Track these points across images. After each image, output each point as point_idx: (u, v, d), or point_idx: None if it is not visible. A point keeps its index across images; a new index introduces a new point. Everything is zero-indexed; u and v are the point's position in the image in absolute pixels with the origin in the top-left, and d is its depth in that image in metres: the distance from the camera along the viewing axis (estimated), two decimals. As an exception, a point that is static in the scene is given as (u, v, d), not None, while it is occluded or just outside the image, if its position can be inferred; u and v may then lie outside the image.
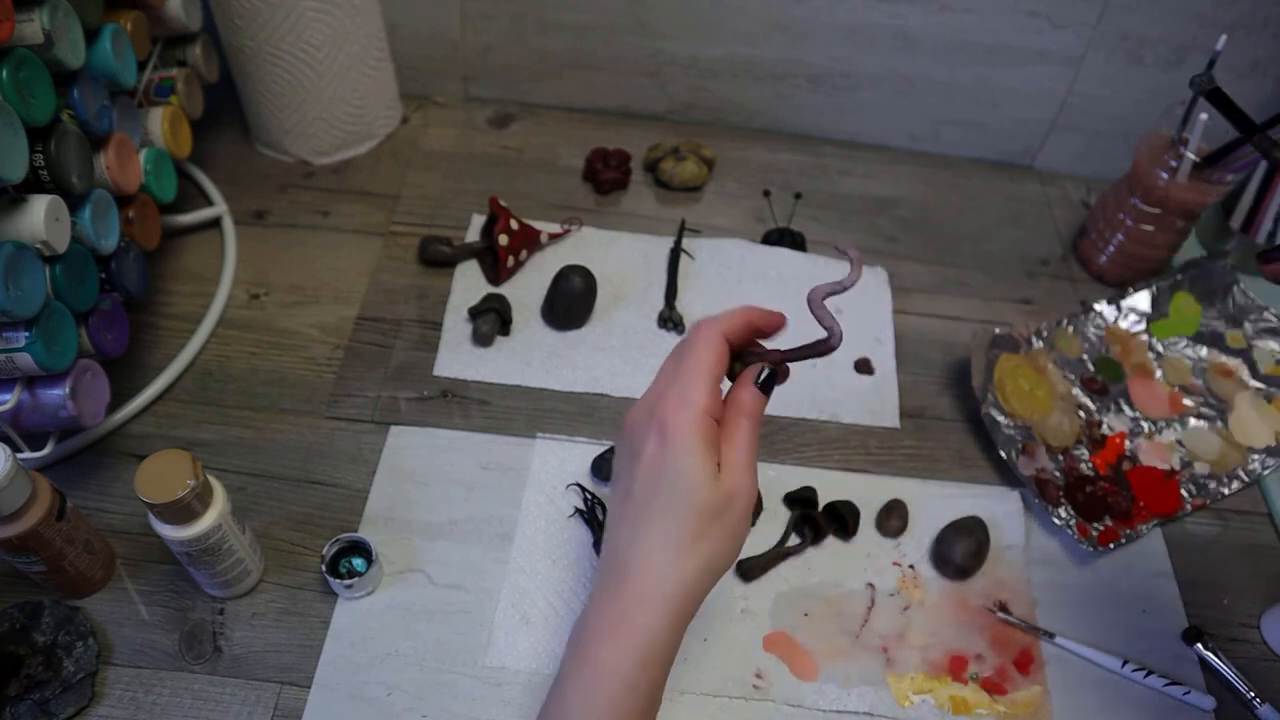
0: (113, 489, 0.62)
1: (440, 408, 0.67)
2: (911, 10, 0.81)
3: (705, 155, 0.85)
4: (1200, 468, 0.69)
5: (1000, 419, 0.68)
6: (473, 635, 0.57)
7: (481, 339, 0.71)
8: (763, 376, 0.48)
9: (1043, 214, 0.88)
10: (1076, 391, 0.71)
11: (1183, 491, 0.67)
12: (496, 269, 0.75)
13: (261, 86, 0.78)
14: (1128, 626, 0.61)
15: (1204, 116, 0.71)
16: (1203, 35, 0.80)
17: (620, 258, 0.78)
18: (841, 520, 0.63)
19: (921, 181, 0.89)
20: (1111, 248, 0.80)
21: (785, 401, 0.70)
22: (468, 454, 0.65)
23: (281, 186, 0.82)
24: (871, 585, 0.61)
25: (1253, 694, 0.58)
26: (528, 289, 0.75)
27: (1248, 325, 0.76)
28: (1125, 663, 0.58)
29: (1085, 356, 0.73)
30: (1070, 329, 0.74)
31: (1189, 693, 0.57)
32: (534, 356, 0.71)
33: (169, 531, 0.50)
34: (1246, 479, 0.68)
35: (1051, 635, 0.59)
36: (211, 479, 0.52)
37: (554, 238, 0.78)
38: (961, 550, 0.61)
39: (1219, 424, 0.71)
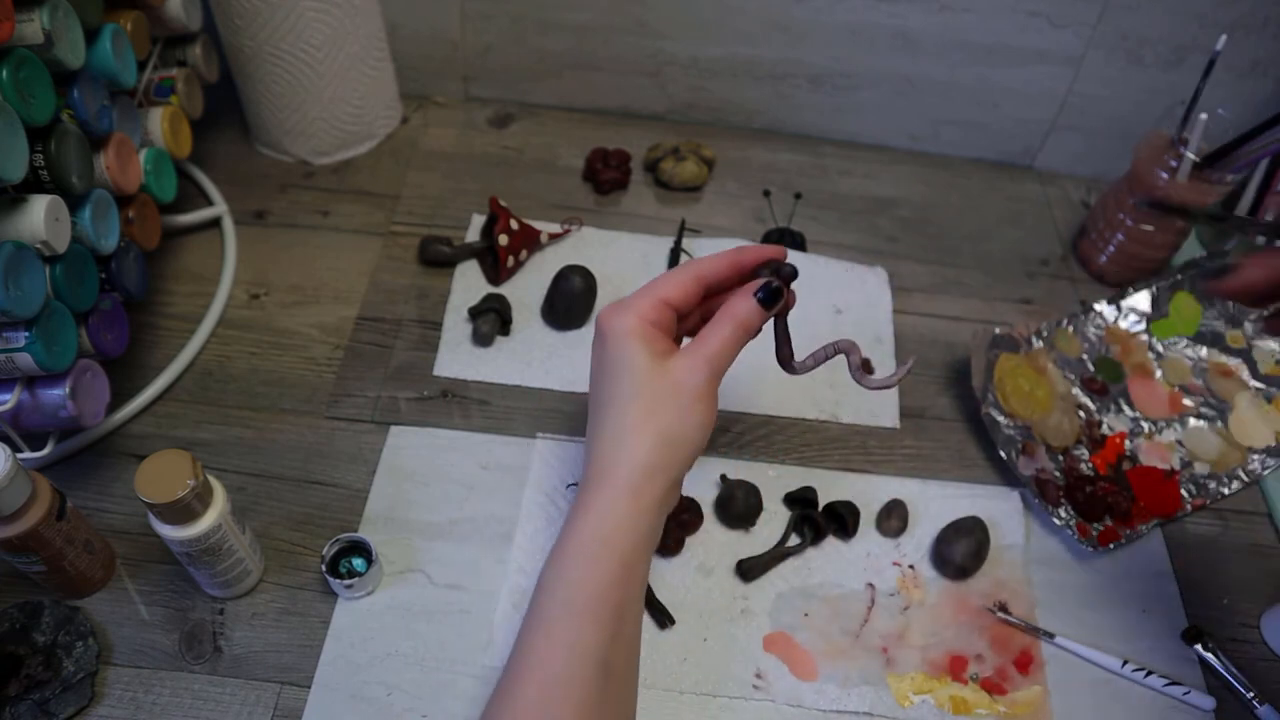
0: (113, 489, 0.62)
1: (440, 408, 0.67)
2: (911, 10, 0.81)
3: (705, 155, 0.85)
4: (1200, 468, 0.69)
5: (1000, 419, 0.67)
6: (473, 635, 0.57)
7: (481, 339, 0.71)
8: (763, 291, 0.49)
9: (1043, 214, 0.88)
10: (1076, 391, 0.71)
11: (1183, 491, 0.67)
12: (496, 269, 0.75)
13: (261, 86, 0.78)
14: (1128, 626, 0.61)
15: (1203, 116, 0.71)
16: (1203, 35, 0.80)
17: (620, 258, 0.78)
18: (841, 520, 0.63)
19: (921, 181, 0.89)
20: (1111, 248, 0.80)
21: (785, 401, 0.70)
22: (468, 454, 0.65)
23: (281, 186, 0.82)
24: (871, 585, 0.61)
25: (1252, 694, 0.58)
26: (528, 289, 0.75)
27: (1248, 325, 0.76)
28: (1125, 663, 0.58)
29: (1085, 356, 0.73)
30: (1070, 329, 0.74)
31: (1189, 693, 0.57)
32: (534, 356, 0.71)
33: (169, 532, 0.50)
34: (1246, 479, 0.68)
35: (1051, 635, 0.59)
36: (211, 479, 0.52)
37: (554, 238, 0.78)
38: (961, 550, 0.61)
39: (1219, 424, 0.71)
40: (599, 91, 0.90)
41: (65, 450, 0.62)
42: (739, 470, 0.66)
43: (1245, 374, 0.74)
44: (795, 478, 0.66)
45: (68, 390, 0.55)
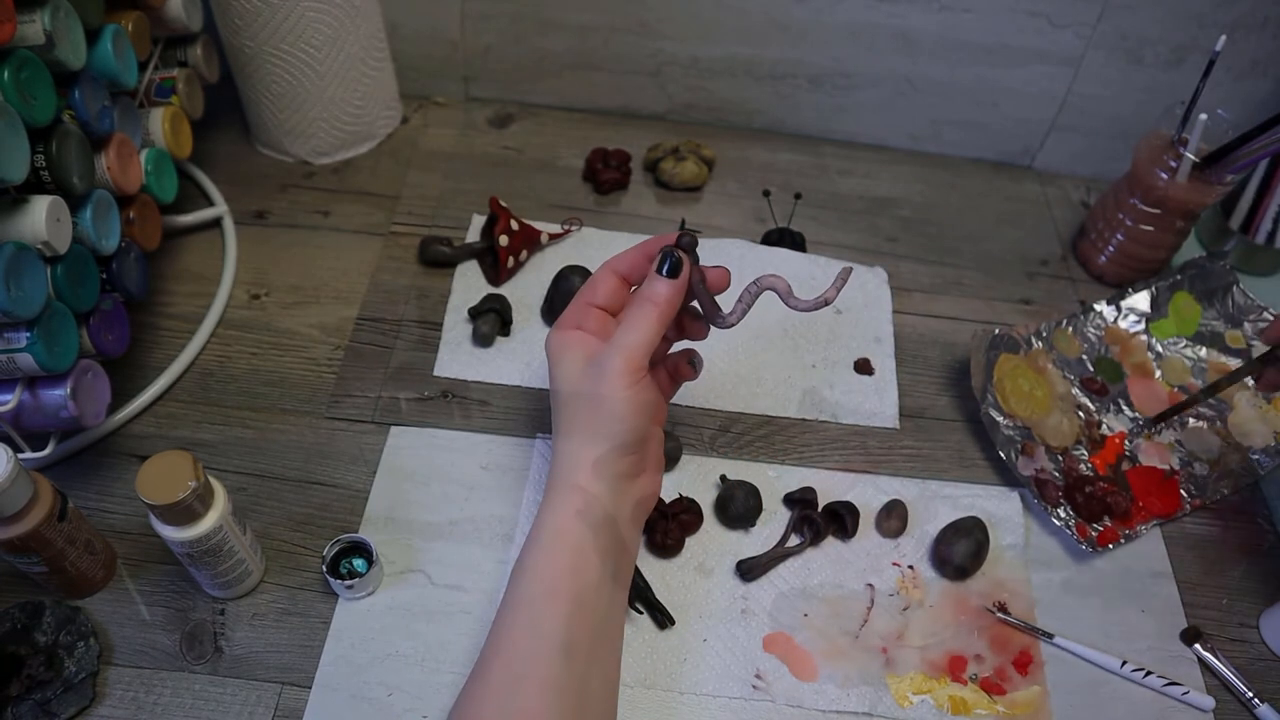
0: (114, 489, 0.62)
1: (440, 408, 0.68)
2: (911, 10, 0.81)
3: (705, 155, 0.85)
4: (1200, 468, 0.69)
5: (999, 419, 0.68)
6: (473, 635, 0.57)
7: (481, 339, 0.71)
8: (665, 266, 0.52)
9: (1042, 214, 0.88)
10: (1076, 392, 0.72)
11: (1182, 491, 0.67)
12: (496, 269, 0.75)
13: (261, 86, 0.78)
14: (1127, 626, 0.61)
15: (1203, 117, 0.71)
16: (1202, 35, 0.80)
17: (620, 258, 0.78)
18: (841, 520, 0.63)
19: (921, 181, 0.89)
20: (1111, 248, 0.80)
21: (785, 401, 0.70)
22: (468, 454, 0.65)
23: (282, 186, 0.82)
24: (871, 585, 0.61)
25: (1251, 694, 0.58)
26: (528, 289, 0.75)
27: (1247, 325, 0.76)
28: (1124, 663, 0.58)
29: (1085, 357, 0.74)
30: (1070, 329, 0.74)
31: (1188, 693, 0.57)
32: (534, 357, 0.71)
33: (170, 532, 0.50)
34: (1246, 479, 0.68)
35: (1051, 635, 0.59)
36: (212, 480, 0.52)
37: (554, 238, 0.79)
38: (961, 550, 0.61)
39: (1219, 424, 0.71)
40: (599, 91, 0.90)
41: (66, 451, 0.63)
42: (739, 470, 0.66)
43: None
44: (795, 478, 0.66)
45: (69, 391, 0.55)
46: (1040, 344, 0.73)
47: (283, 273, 0.75)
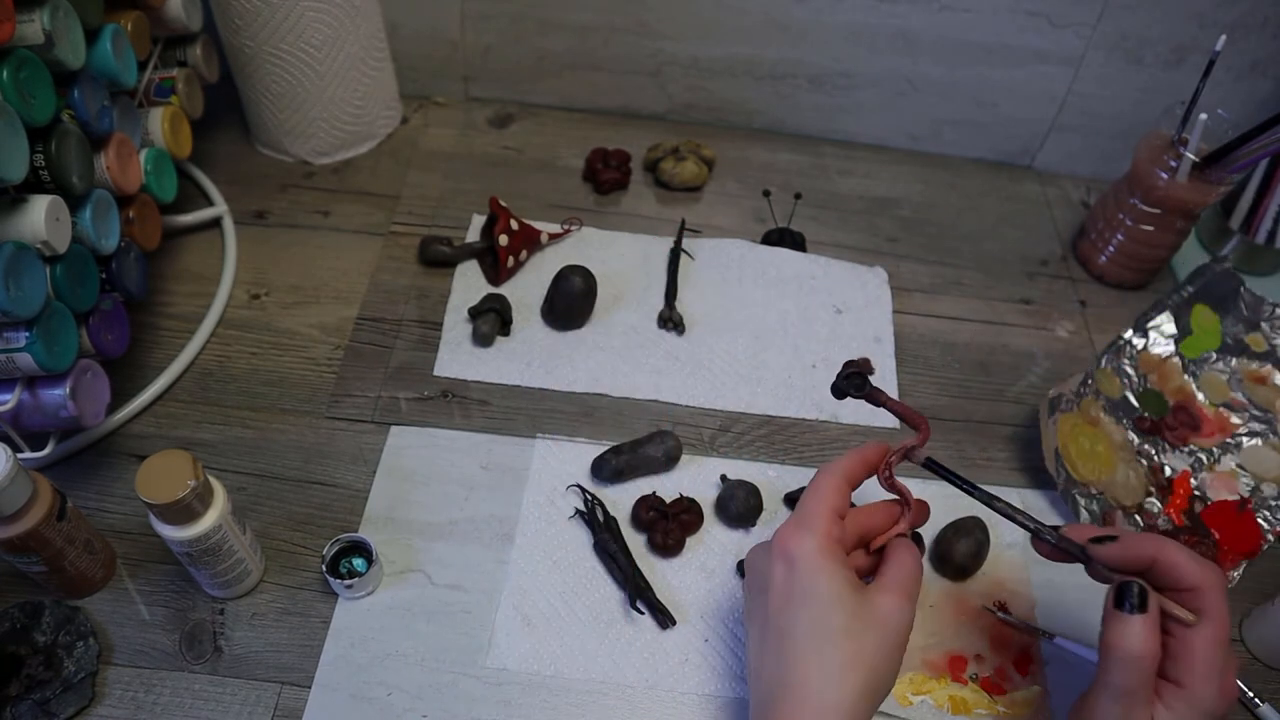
0: (113, 489, 0.62)
1: (440, 408, 0.68)
2: (911, 10, 0.81)
3: (705, 155, 0.85)
4: (1267, 489, 0.67)
5: (1080, 499, 0.65)
6: (473, 635, 0.57)
7: (481, 339, 0.71)
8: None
9: (1042, 214, 0.88)
10: (1132, 436, 0.69)
11: (1260, 521, 0.65)
12: (496, 269, 0.75)
13: (261, 86, 0.78)
14: (1127, 626, 0.61)
15: (1203, 116, 0.71)
16: (1203, 35, 0.80)
17: (620, 258, 0.78)
18: (841, 520, 0.63)
19: (921, 181, 0.89)
20: (1111, 248, 0.80)
21: (785, 401, 0.70)
22: (468, 454, 0.65)
23: (281, 186, 0.82)
24: (871, 585, 0.61)
25: (1252, 693, 0.58)
26: (528, 289, 0.75)
27: (1264, 325, 0.73)
28: (1125, 663, 0.58)
29: (1128, 394, 0.70)
30: (1108, 368, 0.71)
31: (1188, 693, 0.57)
32: (534, 356, 0.71)
33: (169, 532, 0.50)
34: None
35: (1051, 635, 0.59)
36: (212, 479, 0.52)
37: (554, 238, 0.78)
38: (961, 550, 0.61)
39: (1271, 437, 0.69)
40: (599, 91, 0.90)
41: (66, 450, 0.62)
42: (739, 470, 0.66)
43: (1277, 378, 0.72)
44: (795, 477, 0.66)
45: (68, 390, 0.55)
46: (1088, 393, 0.69)
47: (283, 273, 0.75)
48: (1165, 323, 0.73)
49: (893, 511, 0.52)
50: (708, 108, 0.91)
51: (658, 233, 0.81)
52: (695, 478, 0.65)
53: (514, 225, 0.75)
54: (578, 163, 0.86)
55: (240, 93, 0.81)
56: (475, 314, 0.71)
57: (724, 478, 0.65)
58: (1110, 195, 0.80)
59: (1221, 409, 0.71)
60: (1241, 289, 0.74)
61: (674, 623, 0.58)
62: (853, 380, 0.50)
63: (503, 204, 0.75)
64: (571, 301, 0.71)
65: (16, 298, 0.49)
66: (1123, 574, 0.46)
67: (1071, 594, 0.62)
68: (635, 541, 0.62)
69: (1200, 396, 0.71)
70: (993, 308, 0.79)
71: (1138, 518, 0.66)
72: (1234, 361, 0.72)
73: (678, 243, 0.79)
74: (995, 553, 0.63)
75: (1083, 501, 0.65)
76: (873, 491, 0.53)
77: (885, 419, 0.70)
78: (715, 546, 0.62)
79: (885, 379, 0.73)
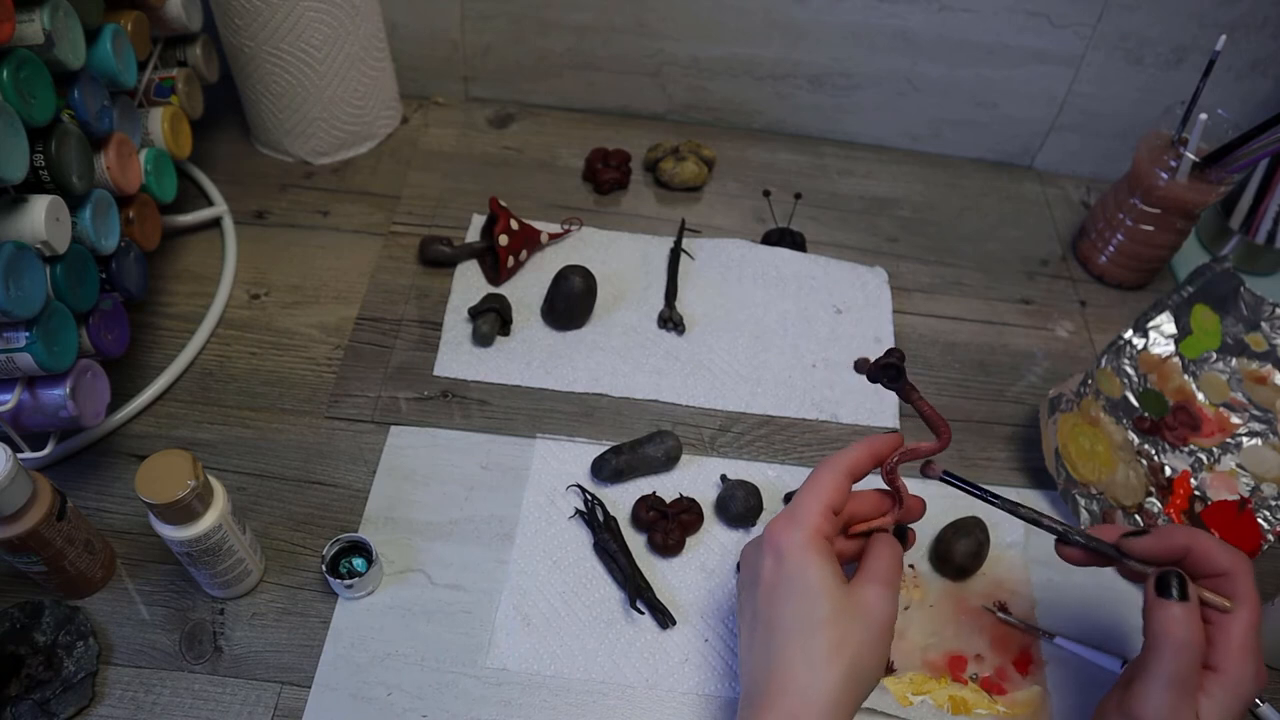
0: (113, 489, 0.62)
1: (440, 408, 0.68)
2: (911, 10, 0.81)
3: (705, 155, 0.85)
4: (1267, 489, 0.67)
5: (1080, 500, 0.65)
6: (473, 635, 0.57)
7: (481, 339, 0.71)
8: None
9: (1042, 214, 0.88)
10: (1132, 436, 0.69)
11: (1260, 521, 0.65)
12: (496, 269, 0.75)
13: (261, 86, 0.78)
14: (1128, 626, 0.61)
15: (1203, 116, 0.71)
16: (1202, 35, 0.80)
17: (620, 258, 0.78)
18: (841, 520, 0.63)
19: (921, 181, 0.89)
20: (1111, 247, 0.80)
21: (785, 401, 0.70)
22: (468, 454, 0.65)
23: (281, 186, 0.82)
24: (871, 585, 0.61)
25: (1252, 694, 0.58)
26: (528, 289, 0.75)
27: (1264, 325, 0.73)
28: (1125, 663, 0.58)
29: (1128, 394, 0.70)
30: (1108, 367, 0.71)
31: (1189, 692, 0.57)
32: (534, 356, 0.71)
33: (169, 532, 0.50)
34: None
35: (1051, 635, 0.59)
36: (212, 479, 0.52)
37: (554, 238, 0.78)
38: (961, 550, 0.61)
39: (1271, 437, 0.69)
40: (599, 91, 0.90)
41: (66, 450, 0.62)
42: (739, 470, 0.66)
43: (1277, 378, 0.72)
44: (795, 477, 0.66)
45: (68, 390, 0.55)
46: (1087, 392, 0.69)
47: (282, 273, 0.75)
48: (1165, 323, 0.73)
49: (882, 503, 0.52)
50: (708, 108, 0.91)
51: (658, 233, 0.81)
52: (695, 478, 0.65)
53: (514, 225, 0.75)
54: (578, 163, 0.86)
55: (240, 93, 0.81)
56: (475, 314, 0.71)
57: (724, 478, 0.65)
58: (1110, 195, 0.80)
59: (1221, 409, 0.71)
60: (1241, 289, 0.74)
61: (674, 623, 0.58)
62: (888, 371, 0.49)
63: (503, 204, 0.75)
64: (571, 301, 0.71)
65: (16, 298, 0.49)
66: (1158, 566, 0.46)
67: (1071, 594, 0.62)
68: (635, 541, 0.62)
69: (1200, 396, 0.71)
70: (993, 308, 0.79)
71: (1138, 518, 0.66)
72: (1234, 361, 0.73)
73: (678, 243, 0.79)
74: (995, 553, 0.63)
75: (1083, 502, 0.65)
76: (873, 480, 0.53)
77: (885, 420, 0.70)
78: (715, 546, 0.62)
79: (885, 379, 0.72)
